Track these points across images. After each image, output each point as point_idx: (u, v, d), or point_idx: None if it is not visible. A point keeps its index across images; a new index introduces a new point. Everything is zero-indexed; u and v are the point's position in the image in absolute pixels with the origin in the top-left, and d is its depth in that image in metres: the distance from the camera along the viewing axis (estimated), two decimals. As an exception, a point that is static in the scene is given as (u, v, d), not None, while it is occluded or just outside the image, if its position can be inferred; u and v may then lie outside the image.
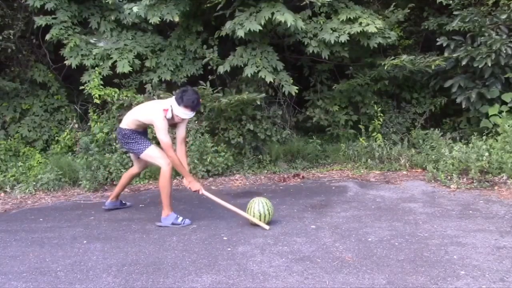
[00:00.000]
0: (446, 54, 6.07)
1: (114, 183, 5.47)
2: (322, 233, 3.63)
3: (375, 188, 4.98)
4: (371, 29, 5.69)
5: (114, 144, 5.71)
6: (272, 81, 5.69)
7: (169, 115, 3.86)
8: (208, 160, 5.67)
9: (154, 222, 4.04)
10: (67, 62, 5.96)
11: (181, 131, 4.04)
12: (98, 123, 5.96)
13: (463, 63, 5.91)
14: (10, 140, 6.17)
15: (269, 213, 3.81)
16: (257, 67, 5.71)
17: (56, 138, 6.30)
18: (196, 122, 5.96)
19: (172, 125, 3.99)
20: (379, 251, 3.22)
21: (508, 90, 5.98)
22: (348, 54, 6.16)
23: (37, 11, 6.02)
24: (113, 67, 5.97)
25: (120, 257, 3.28)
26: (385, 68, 6.01)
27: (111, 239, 3.66)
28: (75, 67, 5.95)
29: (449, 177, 5.05)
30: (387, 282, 2.75)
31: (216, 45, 6.14)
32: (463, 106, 6.07)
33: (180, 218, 3.93)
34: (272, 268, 2.99)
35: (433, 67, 5.94)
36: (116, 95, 5.97)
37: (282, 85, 5.90)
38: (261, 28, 5.42)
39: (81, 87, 6.06)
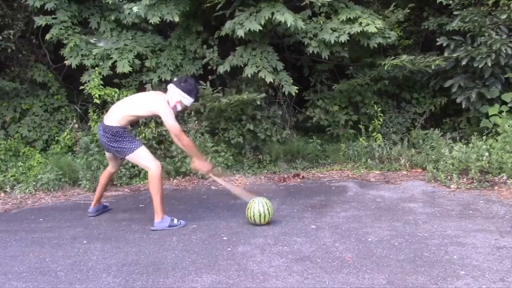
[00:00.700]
0: (446, 54, 6.07)
1: (114, 182, 5.48)
2: (322, 233, 3.63)
3: (375, 188, 4.98)
4: (371, 29, 5.69)
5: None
6: (272, 81, 5.69)
7: (178, 108, 3.89)
8: (208, 160, 5.66)
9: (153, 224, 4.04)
10: (67, 62, 5.95)
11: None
12: (98, 123, 5.95)
13: (463, 63, 5.91)
14: (10, 140, 6.16)
15: (269, 212, 3.81)
16: (257, 67, 5.71)
17: (56, 138, 6.29)
18: (196, 122, 5.96)
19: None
20: (379, 251, 3.22)
21: (508, 90, 5.98)
22: (348, 54, 6.15)
23: (37, 11, 6.02)
24: (113, 67, 5.97)
25: (120, 257, 3.28)
26: (385, 68, 6.01)
27: (111, 239, 3.66)
28: (75, 67, 5.95)
29: (449, 177, 5.05)
30: (387, 282, 2.75)
31: (216, 45, 6.14)
32: (463, 106, 6.07)
33: (176, 220, 3.90)
34: (272, 268, 2.99)
35: (433, 67, 5.94)
36: (116, 95, 5.97)
37: (282, 85, 5.90)
38: (261, 28, 5.42)
39: (81, 87, 6.06)
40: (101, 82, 5.95)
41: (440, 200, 4.44)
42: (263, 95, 5.86)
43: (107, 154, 4.21)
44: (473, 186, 4.83)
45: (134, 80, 6.29)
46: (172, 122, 3.77)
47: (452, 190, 4.78)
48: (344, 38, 5.75)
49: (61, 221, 4.22)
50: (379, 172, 5.75)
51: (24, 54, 6.40)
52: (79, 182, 5.47)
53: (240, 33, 5.41)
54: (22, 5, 6.16)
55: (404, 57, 5.94)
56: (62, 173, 5.49)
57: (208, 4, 5.68)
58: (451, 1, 6.12)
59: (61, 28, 5.94)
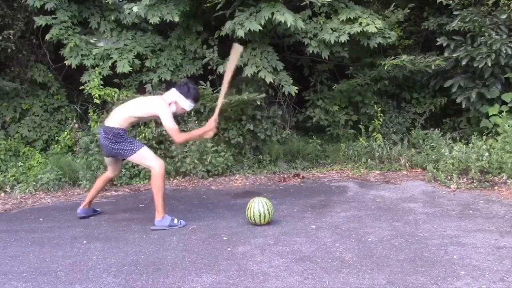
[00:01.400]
0: (446, 54, 6.08)
1: (114, 182, 5.48)
2: (322, 233, 3.63)
3: (375, 188, 4.98)
4: (371, 29, 5.69)
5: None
6: (272, 81, 5.69)
7: (173, 109, 3.91)
8: (208, 160, 5.67)
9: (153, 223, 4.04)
10: (67, 62, 5.96)
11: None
12: (98, 123, 5.95)
13: (463, 63, 5.91)
14: (10, 140, 6.17)
15: (269, 212, 3.81)
16: (257, 67, 5.71)
17: (56, 138, 6.30)
18: (196, 122, 5.96)
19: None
20: (379, 251, 3.22)
21: (508, 90, 5.98)
22: (348, 54, 6.16)
23: (37, 11, 6.02)
24: (113, 67, 5.98)
25: (120, 257, 3.28)
26: (385, 68, 6.01)
27: (111, 239, 3.66)
28: (75, 67, 5.95)
29: (449, 177, 5.05)
30: (387, 282, 2.74)
31: (216, 45, 6.15)
32: (463, 106, 6.07)
33: (176, 220, 3.90)
34: (272, 268, 2.99)
35: (433, 67, 5.94)
36: (116, 95, 5.97)
37: (282, 85, 5.90)
38: (261, 28, 5.43)
39: (81, 87, 6.06)
40: (101, 82, 5.96)
41: (440, 200, 4.44)
42: (263, 95, 5.86)
43: (107, 160, 4.20)
44: (473, 186, 4.83)
45: (134, 80, 6.29)
46: (170, 123, 3.81)
47: (452, 190, 4.78)
48: (344, 38, 5.75)
49: (61, 221, 4.22)
50: (379, 172, 5.75)
51: (24, 54, 6.40)
52: (79, 182, 5.47)
53: (240, 33, 5.41)
54: (22, 5, 6.16)
55: (404, 57, 5.94)
56: (62, 173, 5.49)
57: (208, 4, 5.68)
58: (451, 1, 6.12)
59: (61, 28, 5.95)
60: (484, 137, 5.50)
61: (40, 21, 5.90)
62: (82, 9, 6.27)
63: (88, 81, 5.96)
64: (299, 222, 3.92)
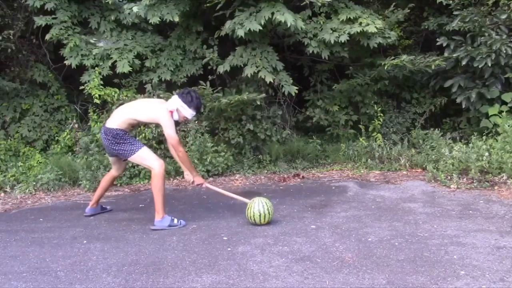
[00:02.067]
0: (446, 54, 6.07)
1: (114, 182, 5.47)
2: (322, 233, 3.63)
3: (375, 188, 4.98)
4: (371, 29, 5.69)
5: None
6: (272, 81, 5.69)
7: (175, 117, 3.89)
8: (208, 160, 5.67)
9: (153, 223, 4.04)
10: (67, 62, 5.96)
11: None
12: (98, 123, 5.95)
13: (463, 63, 5.91)
14: (10, 140, 6.17)
15: (269, 212, 3.81)
16: (257, 67, 5.71)
17: (56, 138, 6.30)
18: (196, 122, 5.96)
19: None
20: (379, 251, 3.22)
21: (508, 90, 5.98)
22: (348, 54, 6.15)
23: (37, 11, 6.02)
24: (113, 67, 5.97)
25: (120, 257, 3.28)
26: (385, 68, 6.01)
27: (111, 239, 3.66)
28: (75, 67, 5.95)
29: (449, 177, 5.05)
30: (387, 282, 2.74)
31: (216, 45, 6.14)
32: (463, 106, 6.07)
33: (176, 220, 3.91)
34: (272, 268, 2.99)
35: (433, 67, 5.94)
36: (116, 95, 5.98)
37: (282, 85, 5.90)
38: (261, 28, 5.42)
39: (81, 87, 6.06)
40: (101, 82, 5.96)
41: (440, 200, 4.44)
42: (263, 95, 5.86)
43: (111, 159, 4.23)
44: (473, 186, 4.83)
45: (134, 80, 6.29)
46: (172, 132, 3.82)
47: (452, 190, 4.78)
48: (344, 38, 5.75)
49: (61, 221, 4.22)
50: (379, 172, 5.75)
51: (24, 54, 6.40)
52: (79, 182, 5.47)
53: (240, 33, 5.41)
54: (22, 5, 6.16)
55: (404, 57, 5.94)
56: (62, 173, 5.49)
57: (208, 4, 5.68)
58: (451, 1, 6.12)
59: (61, 28, 5.95)
60: (484, 137, 5.50)
61: (40, 21, 5.90)
62: (82, 9, 6.27)
63: (88, 81, 5.96)
64: (299, 222, 3.92)
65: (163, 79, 6.10)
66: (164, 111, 3.87)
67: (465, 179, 4.97)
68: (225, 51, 6.14)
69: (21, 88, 6.33)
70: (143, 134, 5.83)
